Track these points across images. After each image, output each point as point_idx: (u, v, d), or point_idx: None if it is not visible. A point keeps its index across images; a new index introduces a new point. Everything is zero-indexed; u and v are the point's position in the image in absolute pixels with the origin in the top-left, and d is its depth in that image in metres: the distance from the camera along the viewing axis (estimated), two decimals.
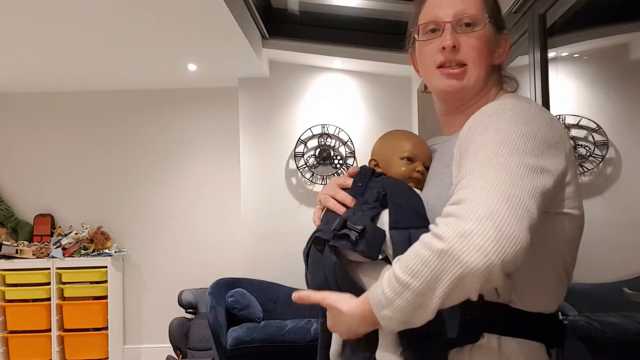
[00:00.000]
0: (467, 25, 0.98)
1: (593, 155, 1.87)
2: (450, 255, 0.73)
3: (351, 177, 1.05)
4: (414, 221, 0.90)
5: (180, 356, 4.26)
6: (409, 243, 0.83)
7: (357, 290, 0.90)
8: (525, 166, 0.80)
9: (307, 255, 0.98)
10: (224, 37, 3.46)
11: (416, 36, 1.03)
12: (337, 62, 4.29)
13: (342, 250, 0.92)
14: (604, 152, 1.82)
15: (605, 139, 1.83)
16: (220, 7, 2.93)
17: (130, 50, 3.75)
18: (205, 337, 4.18)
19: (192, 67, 4.21)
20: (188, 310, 4.46)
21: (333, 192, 1.02)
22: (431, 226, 0.80)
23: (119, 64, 4.11)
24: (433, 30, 1.00)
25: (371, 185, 0.99)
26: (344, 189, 1.02)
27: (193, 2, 2.91)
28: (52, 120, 4.91)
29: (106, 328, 4.49)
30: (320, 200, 1.04)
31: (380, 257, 0.91)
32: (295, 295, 0.95)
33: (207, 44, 3.69)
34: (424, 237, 0.78)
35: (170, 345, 4.32)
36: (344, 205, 0.99)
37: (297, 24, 4.06)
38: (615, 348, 1.76)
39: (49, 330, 4.43)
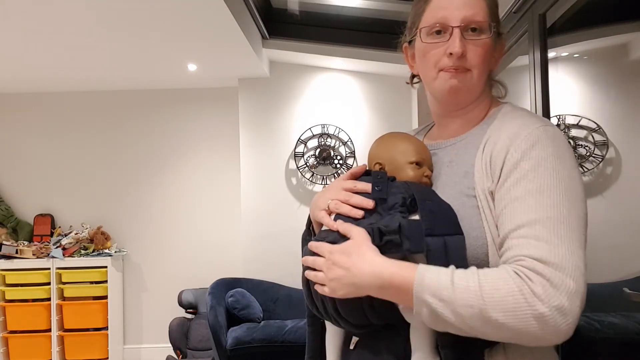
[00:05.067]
0: (473, 30, 0.96)
1: (593, 155, 1.87)
2: (546, 323, 0.78)
3: (354, 178, 1.00)
4: (448, 228, 0.88)
5: (180, 356, 4.26)
6: (445, 250, 0.85)
7: None
8: (582, 218, 0.86)
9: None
10: (224, 37, 3.46)
11: (420, 37, 1.00)
12: (337, 62, 4.29)
13: None
14: (604, 152, 1.82)
15: (605, 139, 1.83)
16: (220, 7, 2.93)
17: (130, 50, 3.74)
18: (205, 337, 4.18)
19: (192, 67, 4.20)
20: (188, 310, 4.46)
21: (345, 197, 0.96)
22: (515, 270, 0.81)
23: (119, 64, 4.11)
24: (438, 32, 0.97)
25: (392, 190, 0.92)
26: (356, 192, 0.96)
27: (193, 2, 2.90)
28: (52, 120, 4.91)
29: (106, 328, 4.49)
30: (329, 207, 0.97)
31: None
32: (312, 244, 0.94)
33: (207, 44, 3.69)
34: (523, 287, 0.79)
35: (170, 345, 4.32)
36: (361, 209, 0.94)
37: (297, 24, 4.06)
38: (615, 348, 1.75)
39: (49, 330, 4.43)
